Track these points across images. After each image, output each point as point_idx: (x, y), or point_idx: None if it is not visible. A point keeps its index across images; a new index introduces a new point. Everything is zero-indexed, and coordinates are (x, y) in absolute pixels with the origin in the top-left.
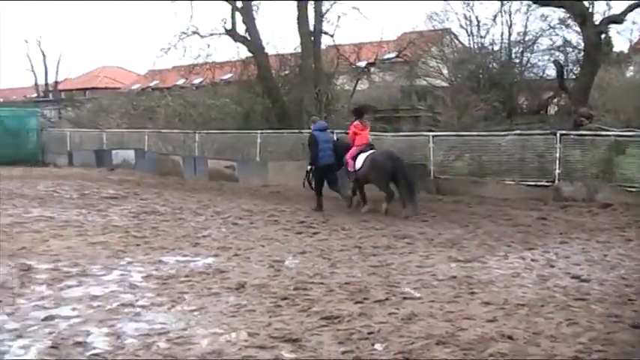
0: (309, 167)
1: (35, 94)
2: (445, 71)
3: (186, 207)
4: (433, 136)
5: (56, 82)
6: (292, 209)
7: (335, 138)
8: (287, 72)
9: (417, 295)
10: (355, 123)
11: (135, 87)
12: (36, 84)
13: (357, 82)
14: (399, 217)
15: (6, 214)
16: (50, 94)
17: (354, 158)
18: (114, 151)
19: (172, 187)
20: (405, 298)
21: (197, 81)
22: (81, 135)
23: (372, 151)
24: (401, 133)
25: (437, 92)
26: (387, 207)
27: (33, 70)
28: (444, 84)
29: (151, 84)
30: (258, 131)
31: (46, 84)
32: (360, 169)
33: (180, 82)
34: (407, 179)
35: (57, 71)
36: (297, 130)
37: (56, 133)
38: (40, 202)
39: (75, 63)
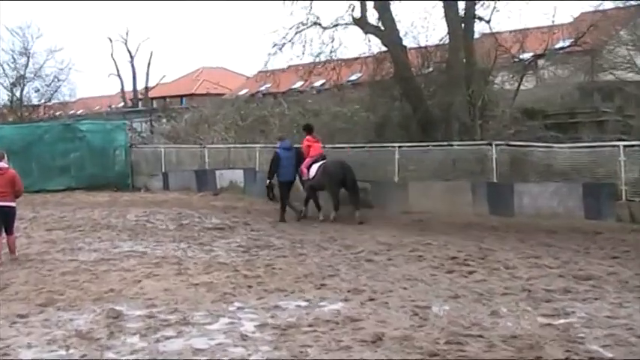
0: (267, 182)
1: (122, 104)
2: (639, 62)
3: (307, 239)
4: (625, 147)
5: (147, 88)
6: (440, 242)
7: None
8: (431, 69)
9: (608, 355)
10: (307, 137)
11: (242, 92)
12: (122, 91)
13: (521, 80)
14: (353, 223)
15: (90, 249)
16: (140, 103)
17: (309, 168)
18: (218, 172)
19: (291, 214)
20: (591, 359)
21: (319, 83)
22: (178, 152)
23: (323, 161)
24: (580, 144)
25: (628, 89)
26: (335, 215)
27: (119, 74)
28: (638, 78)
29: (262, 88)
30: (396, 145)
31: (135, 90)
32: (313, 177)
33: (298, 84)
34: (355, 187)
35: (147, 75)
36: (445, 143)
37: (148, 150)
38: (130, 235)
39: (169, 65)
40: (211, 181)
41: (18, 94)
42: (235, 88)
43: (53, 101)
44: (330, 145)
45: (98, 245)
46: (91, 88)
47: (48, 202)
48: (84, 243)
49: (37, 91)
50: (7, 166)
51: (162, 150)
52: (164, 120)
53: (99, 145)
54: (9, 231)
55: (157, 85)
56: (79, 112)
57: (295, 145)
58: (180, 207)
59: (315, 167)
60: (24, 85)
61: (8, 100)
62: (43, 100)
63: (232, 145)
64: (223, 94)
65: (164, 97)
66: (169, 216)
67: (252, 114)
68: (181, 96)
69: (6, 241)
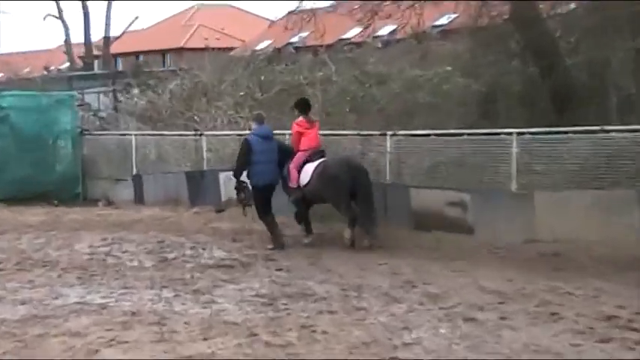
0: (236, 184)
1: (67, 64)
2: None
3: (368, 284)
4: None
5: (107, 40)
6: (589, 290)
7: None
8: (573, 6)
9: None
10: (299, 120)
11: (262, 46)
12: (68, 43)
13: None
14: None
15: (15, 301)
16: (96, 64)
17: (299, 169)
18: (223, 175)
19: (337, 242)
20: None
21: (386, 31)
22: (158, 143)
23: (322, 159)
24: None
25: None
26: (351, 235)
27: (61, 17)
28: None
29: (294, 39)
30: (514, 130)
31: (88, 42)
32: (307, 184)
33: (353, 33)
34: (370, 198)
35: (108, 18)
36: (596, 128)
37: (110, 139)
38: (81, 277)
39: (144, 2)
40: (212, 189)
41: None
42: (251, 40)
43: None
44: (405, 132)
45: (28, 294)
46: (17, 38)
47: None
48: (4, 290)
49: None
50: None
51: (134, 139)
52: (136, 91)
53: (30, 130)
54: None
55: (123, 33)
56: None
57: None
58: (163, 231)
59: (309, 169)
60: None
61: None
62: None
63: (246, 132)
64: (232, 49)
65: (136, 54)
66: (144, 246)
67: (279, 81)
68: (164, 52)
69: None
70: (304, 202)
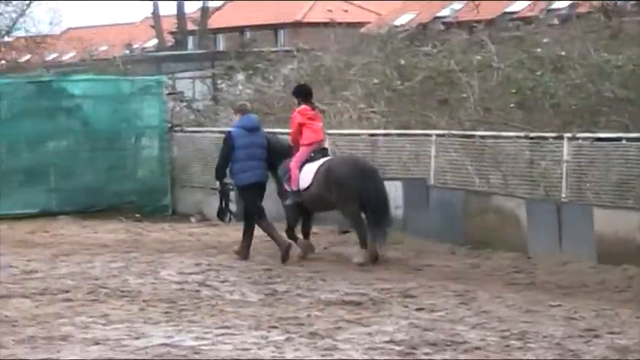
0: (217, 185)
1: (154, 42)
2: None
3: (535, 331)
4: None
5: (204, 12)
6: None
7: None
8: None
9: None
10: (301, 108)
11: (401, 21)
12: (156, 17)
13: None
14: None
15: (86, 340)
16: (191, 41)
17: (300, 168)
18: None
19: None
20: None
21: (562, 4)
22: None
23: (325, 158)
24: None
25: None
26: (365, 255)
27: None
28: None
29: (444, 13)
30: None
31: (181, 15)
32: (308, 187)
33: (519, 6)
34: (385, 205)
35: None
36: None
37: (206, 138)
38: (169, 312)
39: None
40: None
41: None
42: (388, 13)
43: (16, 34)
44: (587, 135)
45: (102, 331)
46: (92, 11)
47: (0, 242)
48: (73, 326)
49: None
50: None
51: None
52: (240, 76)
53: (106, 126)
54: None
55: (225, 4)
56: (66, 58)
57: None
58: (271, 256)
59: (310, 169)
60: None
61: None
62: None
63: (382, 131)
64: (363, 25)
65: (241, 30)
66: (248, 275)
67: (423, 66)
68: (276, 27)
69: None
70: (301, 208)
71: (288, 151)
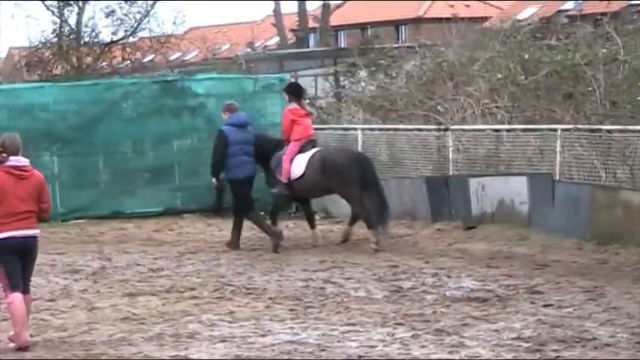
0: (214, 181)
1: (276, 40)
2: None
3: None
4: None
5: (325, 9)
6: None
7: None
8: None
9: None
10: (292, 107)
11: (525, 15)
12: (277, 14)
13: None
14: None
15: (213, 337)
16: (312, 39)
17: (291, 160)
18: (474, 181)
19: (625, 276)
20: None
21: None
22: (390, 139)
23: (316, 149)
24: None
25: None
26: (378, 239)
27: None
28: None
29: (568, 6)
30: None
31: (302, 13)
32: (301, 176)
33: None
34: (379, 188)
35: None
36: None
37: (329, 136)
38: (295, 309)
39: None
40: (460, 199)
41: (73, 21)
42: (511, 7)
43: (140, 35)
44: None
45: (229, 329)
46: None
47: (127, 240)
48: (199, 323)
49: (111, 13)
50: (28, 163)
51: (360, 134)
52: (363, 73)
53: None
54: (25, 284)
55: (346, 1)
56: (189, 57)
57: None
58: (396, 253)
59: (301, 160)
60: (85, 1)
61: (54, 33)
62: (121, 34)
63: (506, 126)
64: (486, 19)
65: (362, 27)
66: (373, 272)
67: (548, 60)
68: (397, 24)
69: (10, 307)
70: (291, 196)
71: (277, 145)
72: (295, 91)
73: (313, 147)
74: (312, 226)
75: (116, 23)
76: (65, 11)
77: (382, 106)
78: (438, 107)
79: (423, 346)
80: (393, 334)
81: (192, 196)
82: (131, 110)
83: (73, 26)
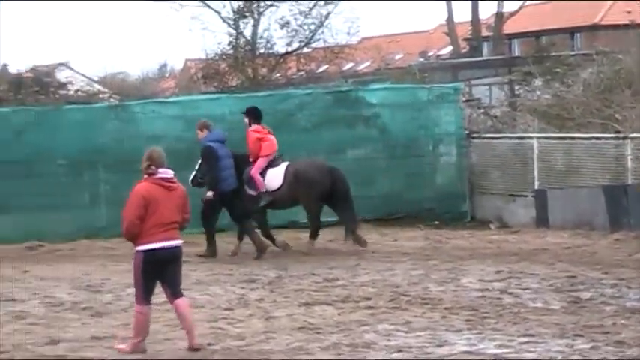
0: (209, 194)
1: (449, 48)
2: None
3: None
4: None
5: (499, 17)
6: None
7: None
8: None
9: None
10: (255, 127)
11: None
12: (449, 22)
13: None
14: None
15: (389, 347)
16: (485, 48)
17: (263, 174)
18: None
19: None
20: None
21: None
22: (567, 149)
23: (286, 163)
24: None
25: None
26: (313, 243)
27: None
28: None
29: None
30: None
31: (475, 22)
32: (278, 189)
33: None
34: (350, 198)
35: None
36: None
37: (503, 145)
38: (471, 319)
39: None
40: (638, 209)
41: (248, 32)
42: None
43: (314, 46)
44: None
45: (405, 339)
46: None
47: (303, 249)
48: (376, 333)
49: (286, 25)
50: (173, 176)
51: (535, 144)
52: (538, 81)
53: (404, 133)
54: (176, 290)
55: (520, 9)
56: (362, 67)
57: None
58: (573, 263)
59: (274, 173)
60: (260, 13)
61: (230, 45)
62: (295, 45)
63: None
64: None
65: (536, 35)
66: (550, 282)
67: None
68: (572, 31)
69: (138, 316)
70: (263, 209)
71: (247, 161)
72: (254, 114)
73: (282, 161)
74: (241, 239)
75: (291, 34)
76: (241, 23)
77: (558, 115)
78: (616, 115)
79: (603, 358)
80: (572, 346)
81: (366, 205)
82: (305, 120)
83: (249, 38)
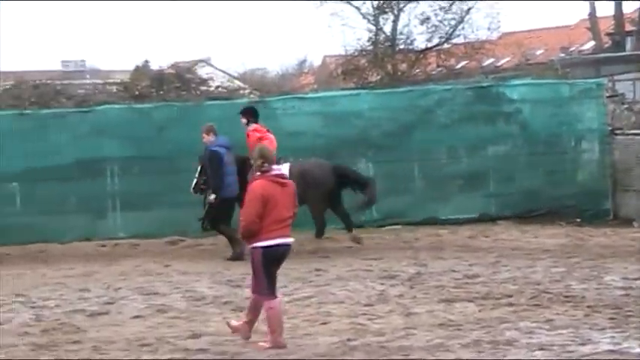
0: (212, 197)
1: (591, 42)
2: None
3: None
4: None
5: None
6: None
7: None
8: None
9: None
10: (255, 127)
11: None
12: (591, 17)
13: None
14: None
15: (530, 345)
16: (628, 41)
17: None
18: None
19: None
20: None
21: None
22: None
23: (287, 163)
24: None
25: None
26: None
27: None
28: None
29: None
30: None
31: (618, 16)
32: None
33: None
34: (363, 180)
35: None
36: None
37: None
38: (614, 317)
39: None
40: None
41: (388, 28)
42: None
43: (454, 41)
44: None
45: (547, 337)
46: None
47: (442, 246)
48: (517, 331)
49: (426, 20)
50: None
51: None
52: None
53: (545, 129)
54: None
55: None
56: (502, 63)
57: None
58: None
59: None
60: (400, 9)
61: (370, 41)
62: (435, 41)
63: None
64: None
65: None
66: None
67: None
68: None
69: (270, 312)
70: None
71: (247, 163)
72: (252, 113)
73: (285, 161)
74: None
75: (431, 30)
76: (381, 19)
77: None
78: None
79: None
80: None
81: (506, 202)
82: (445, 117)
83: (389, 34)
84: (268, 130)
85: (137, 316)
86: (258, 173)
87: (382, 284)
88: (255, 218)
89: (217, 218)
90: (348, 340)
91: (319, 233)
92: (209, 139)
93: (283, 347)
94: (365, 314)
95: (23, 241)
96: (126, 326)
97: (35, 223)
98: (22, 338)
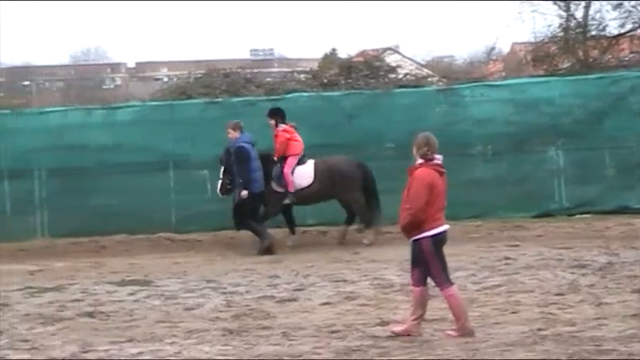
0: (244, 193)
1: None
2: None
3: None
4: None
5: None
6: None
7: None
8: None
9: None
10: (284, 127)
11: None
12: None
13: None
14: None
15: None
16: None
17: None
18: None
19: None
20: None
21: None
22: None
23: (312, 160)
24: None
25: None
26: (371, 236)
27: None
28: None
29: None
30: None
31: None
32: (310, 185)
33: None
34: (377, 194)
35: None
36: None
37: None
38: None
39: None
40: None
41: (579, 14)
42: None
43: None
44: None
45: None
46: None
47: (634, 235)
48: None
49: (619, 6)
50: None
51: None
52: None
53: None
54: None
55: None
56: None
57: None
58: None
59: (303, 170)
60: None
61: (560, 27)
62: (628, 26)
63: None
64: None
65: None
66: None
67: None
68: None
69: (451, 299)
70: (287, 205)
71: (272, 161)
72: (280, 114)
73: (309, 159)
74: (293, 231)
75: (624, 15)
76: (572, 5)
77: None
78: None
79: None
80: None
81: None
82: (638, 104)
83: (580, 20)
84: (295, 131)
85: (326, 303)
86: (421, 161)
87: (573, 273)
88: (424, 206)
89: (247, 214)
90: (539, 329)
91: (368, 224)
92: (235, 135)
93: (472, 334)
94: (555, 304)
95: (214, 227)
96: (315, 313)
97: (229, 210)
98: (213, 323)
